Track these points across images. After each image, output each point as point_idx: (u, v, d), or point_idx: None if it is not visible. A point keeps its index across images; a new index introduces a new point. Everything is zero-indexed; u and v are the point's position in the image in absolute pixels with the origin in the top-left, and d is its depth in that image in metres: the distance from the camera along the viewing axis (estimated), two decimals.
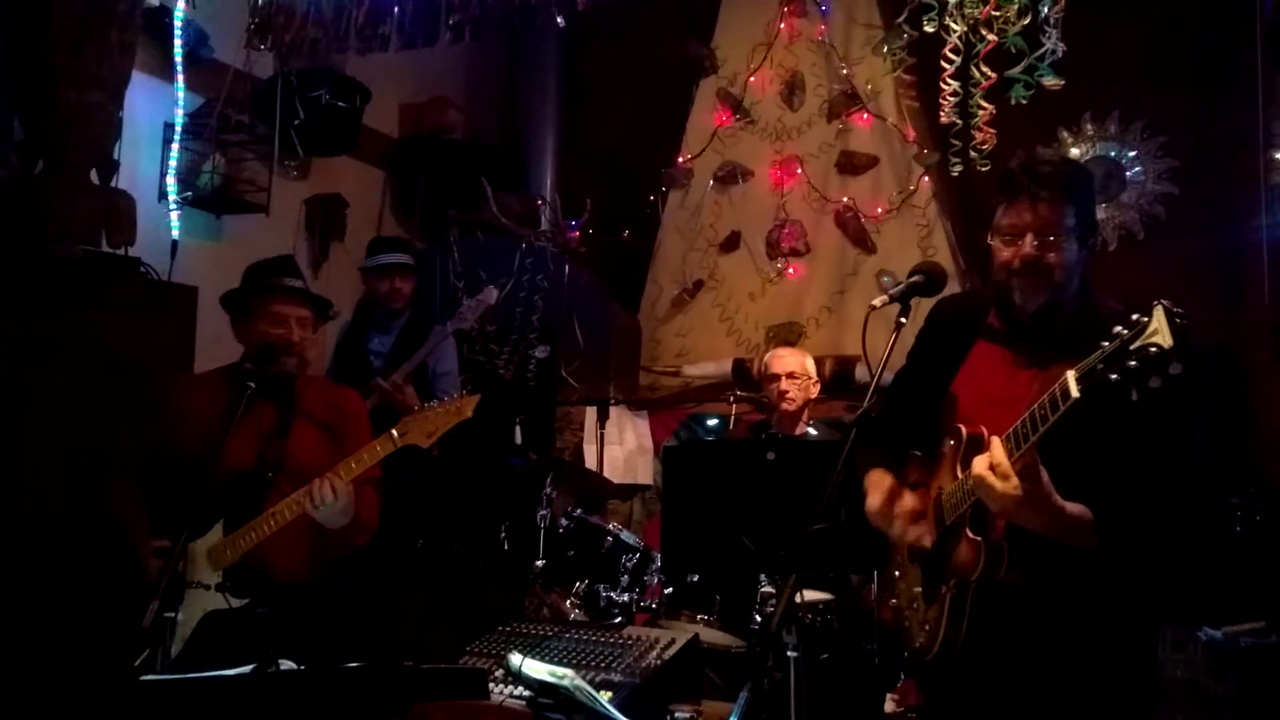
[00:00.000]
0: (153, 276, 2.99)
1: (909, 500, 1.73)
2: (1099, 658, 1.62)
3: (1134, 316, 1.33)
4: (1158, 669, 1.80)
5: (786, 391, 3.36)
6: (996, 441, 1.52)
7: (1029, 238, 1.65)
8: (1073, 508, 1.54)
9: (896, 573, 1.83)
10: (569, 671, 1.44)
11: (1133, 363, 1.31)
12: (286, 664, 1.59)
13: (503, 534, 3.43)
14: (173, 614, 1.90)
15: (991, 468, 1.50)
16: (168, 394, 2.37)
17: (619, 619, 2.77)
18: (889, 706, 2.83)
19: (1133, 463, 1.57)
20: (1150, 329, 1.30)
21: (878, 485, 1.78)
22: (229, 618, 2.11)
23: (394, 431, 2.08)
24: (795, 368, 3.41)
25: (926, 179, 4.36)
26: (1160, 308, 1.30)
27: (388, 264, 3.67)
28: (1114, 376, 1.32)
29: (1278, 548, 2.83)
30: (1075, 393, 1.39)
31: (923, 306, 1.85)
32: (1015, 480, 1.48)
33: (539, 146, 4.78)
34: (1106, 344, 1.35)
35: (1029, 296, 1.68)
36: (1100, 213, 3.87)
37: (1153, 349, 1.29)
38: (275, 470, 2.18)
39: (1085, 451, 1.53)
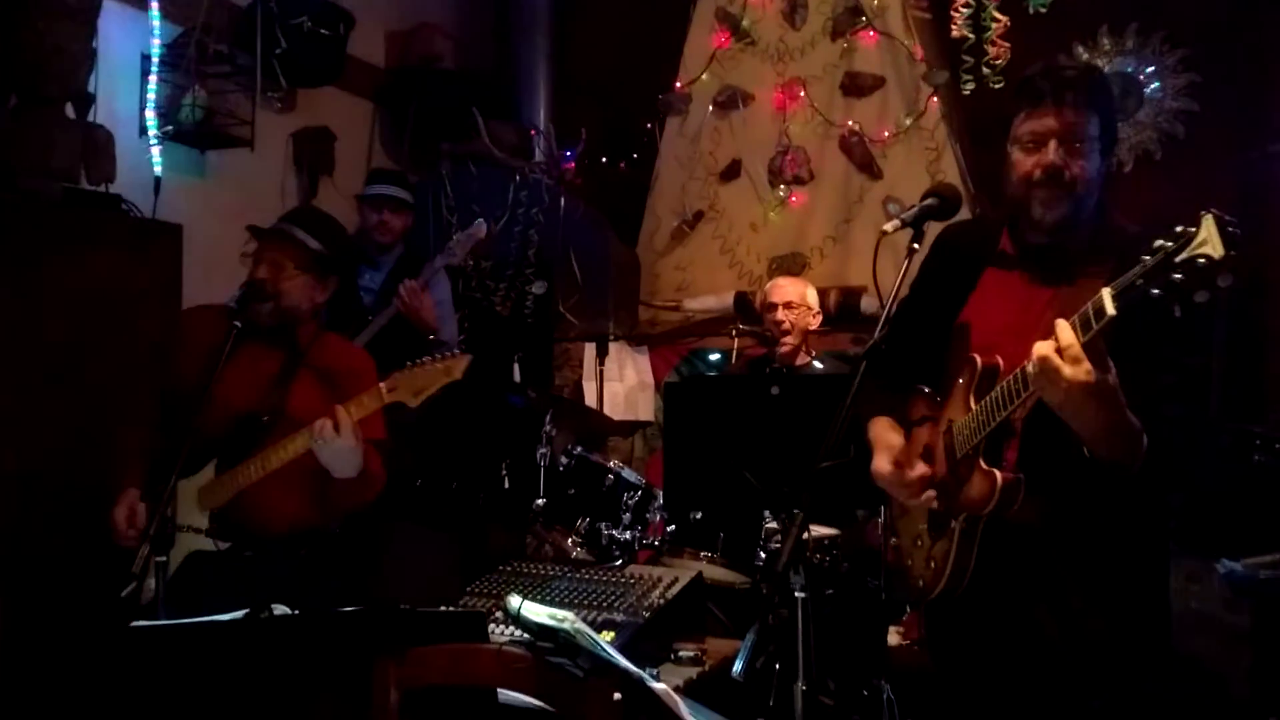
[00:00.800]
0: (136, 214, 2.90)
1: (918, 467, 1.64)
2: (1111, 592, 1.58)
3: (1178, 228, 1.24)
4: (1172, 601, 1.76)
5: (782, 322, 3.28)
6: (1064, 324, 1.38)
7: (1052, 145, 1.57)
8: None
9: (898, 511, 1.79)
10: (569, 614, 1.40)
11: (1178, 276, 1.22)
12: (280, 608, 1.56)
13: (503, 472, 3.41)
14: (163, 558, 1.87)
15: (1059, 351, 1.37)
16: (179, 324, 2.35)
17: (621, 558, 2.76)
18: (893, 640, 2.84)
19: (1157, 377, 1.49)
20: (1199, 239, 1.22)
21: (885, 446, 1.70)
22: (213, 560, 2.09)
23: (382, 386, 2.07)
24: (794, 297, 3.32)
25: (935, 100, 4.19)
26: (1210, 216, 1.22)
27: (378, 195, 3.57)
28: (1155, 291, 1.24)
29: None
30: (1111, 310, 1.30)
31: (935, 231, 1.77)
32: (1087, 364, 1.35)
33: (531, 74, 4.58)
34: (1147, 258, 1.26)
35: (1048, 208, 1.59)
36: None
37: (1201, 260, 1.21)
38: (273, 416, 2.15)
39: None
